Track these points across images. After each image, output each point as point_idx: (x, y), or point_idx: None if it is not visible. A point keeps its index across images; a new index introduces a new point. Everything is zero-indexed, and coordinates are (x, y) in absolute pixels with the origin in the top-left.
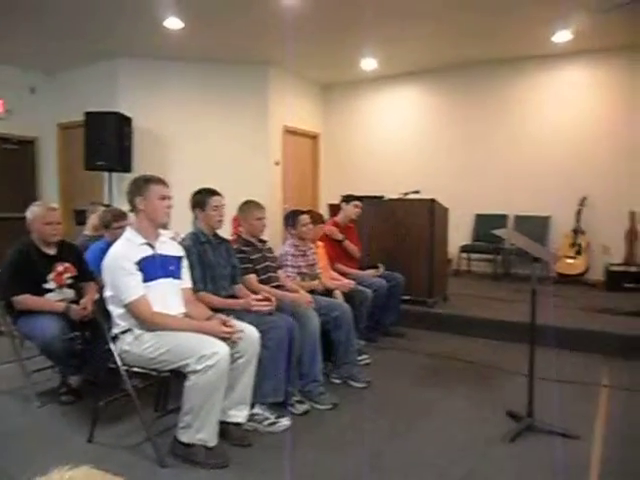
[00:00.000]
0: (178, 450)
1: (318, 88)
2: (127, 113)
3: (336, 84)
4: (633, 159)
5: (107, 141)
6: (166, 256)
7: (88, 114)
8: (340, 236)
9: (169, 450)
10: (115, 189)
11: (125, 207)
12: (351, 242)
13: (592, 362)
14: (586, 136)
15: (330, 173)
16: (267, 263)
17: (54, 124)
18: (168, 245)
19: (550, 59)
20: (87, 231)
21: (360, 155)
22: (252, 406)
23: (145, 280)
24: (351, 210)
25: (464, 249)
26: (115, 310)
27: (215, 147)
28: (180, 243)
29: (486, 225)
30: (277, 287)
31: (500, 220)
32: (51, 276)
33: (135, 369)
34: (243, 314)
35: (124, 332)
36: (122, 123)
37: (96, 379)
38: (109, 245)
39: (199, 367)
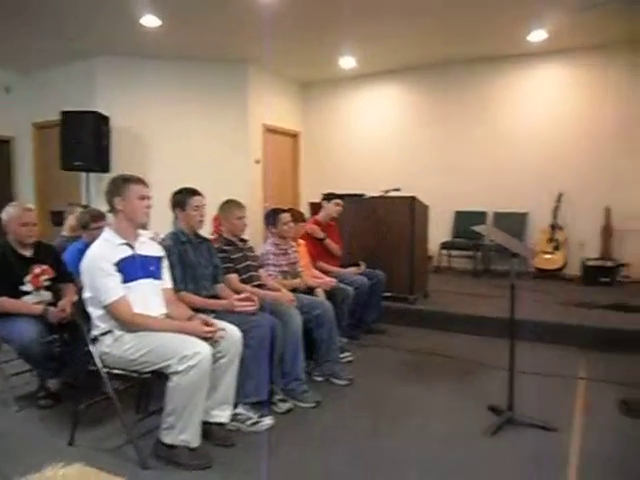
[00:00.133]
0: (161, 452)
1: (297, 86)
2: (105, 112)
3: (315, 82)
4: (607, 156)
5: (84, 141)
6: (146, 256)
7: (64, 113)
8: (321, 234)
9: (151, 452)
10: (93, 189)
11: (103, 208)
12: (332, 240)
13: (569, 355)
14: (561, 134)
15: (310, 171)
16: (248, 262)
17: (29, 123)
18: (148, 245)
19: (525, 58)
20: (65, 232)
21: (340, 153)
22: (235, 406)
23: (125, 281)
24: (332, 208)
25: (444, 246)
26: (94, 312)
27: (195, 146)
28: (160, 243)
29: (466, 222)
30: (258, 286)
31: (479, 217)
32: (28, 278)
33: (116, 371)
34: (225, 314)
35: (104, 334)
36: (99, 122)
37: (76, 382)
38: (87, 246)
39: (181, 368)
